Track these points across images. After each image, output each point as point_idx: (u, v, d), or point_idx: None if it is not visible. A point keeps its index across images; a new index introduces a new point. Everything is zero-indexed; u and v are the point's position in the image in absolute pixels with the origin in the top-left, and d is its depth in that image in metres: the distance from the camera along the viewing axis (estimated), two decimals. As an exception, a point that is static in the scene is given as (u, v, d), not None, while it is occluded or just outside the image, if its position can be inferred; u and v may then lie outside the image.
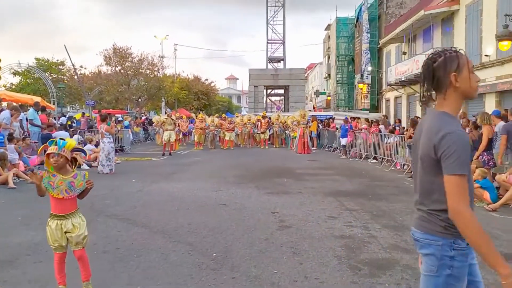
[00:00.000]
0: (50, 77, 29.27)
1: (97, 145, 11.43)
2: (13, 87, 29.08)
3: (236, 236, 4.95)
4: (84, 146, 12.24)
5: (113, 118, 14.91)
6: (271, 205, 6.78)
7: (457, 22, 17.42)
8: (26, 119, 11.44)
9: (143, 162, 13.63)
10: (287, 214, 6.15)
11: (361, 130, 15.38)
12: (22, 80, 29.30)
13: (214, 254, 4.30)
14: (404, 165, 12.26)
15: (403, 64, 21.27)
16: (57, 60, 29.81)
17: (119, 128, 17.82)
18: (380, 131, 14.86)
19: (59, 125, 17.31)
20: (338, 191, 8.21)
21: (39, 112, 11.71)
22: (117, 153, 16.39)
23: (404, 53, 19.64)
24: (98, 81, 30.09)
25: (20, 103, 13.26)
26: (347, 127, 16.01)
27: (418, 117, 10.01)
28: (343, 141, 16.08)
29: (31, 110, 11.59)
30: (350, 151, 16.34)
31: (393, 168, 12.48)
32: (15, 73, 28.71)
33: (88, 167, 11.21)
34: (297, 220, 5.78)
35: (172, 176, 10.27)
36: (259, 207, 6.62)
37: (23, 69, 27.70)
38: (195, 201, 7.04)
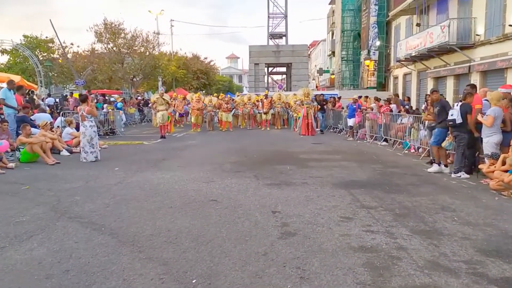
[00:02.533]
0: (40, 55, 27.90)
1: (78, 128, 10.26)
2: (2, 66, 27.72)
3: (226, 249, 3.85)
4: (63, 129, 11.10)
5: (93, 99, 13.63)
6: (272, 201, 5.66)
7: (476, -11, 15.88)
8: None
9: (133, 147, 12.50)
10: (291, 214, 5.03)
11: (372, 109, 14.10)
12: (11, 59, 27.89)
13: (194, 281, 3.20)
14: (418, 148, 11.10)
15: (415, 37, 19.78)
16: (46, 37, 28.30)
17: (109, 109, 16.63)
18: (391, 110, 13.62)
19: (45, 106, 16.17)
20: (349, 181, 7.08)
21: (14, 92, 10.49)
22: (107, 137, 15.33)
23: (418, 24, 18.14)
24: (92, 60, 28.67)
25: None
26: (354, 106, 14.76)
27: (437, 92, 8.63)
28: (351, 122, 14.87)
29: (3, 89, 10.37)
30: (357, 132, 15.16)
31: (406, 151, 11.32)
32: (3, 52, 27.32)
33: (68, 153, 10.09)
34: (304, 223, 4.66)
35: (161, 163, 9.15)
36: (257, 204, 5.50)
37: (11, 47, 26.36)
38: (182, 196, 5.93)
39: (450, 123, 7.51)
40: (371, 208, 5.32)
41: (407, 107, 15.42)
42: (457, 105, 7.48)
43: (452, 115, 7.47)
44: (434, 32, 17.48)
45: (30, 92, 21.16)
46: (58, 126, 11.58)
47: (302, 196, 5.97)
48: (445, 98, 13.38)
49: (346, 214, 5.03)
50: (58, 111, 15.59)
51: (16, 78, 13.79)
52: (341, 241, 4.07)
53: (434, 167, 8.20)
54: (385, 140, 13.34)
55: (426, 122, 10.07)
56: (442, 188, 6.59)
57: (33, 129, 10.34)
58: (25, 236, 4.23)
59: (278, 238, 4.17)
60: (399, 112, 13.64)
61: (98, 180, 7.13)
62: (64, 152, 10.00)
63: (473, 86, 8.35)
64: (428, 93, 19.63)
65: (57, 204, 5.50)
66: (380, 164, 9.13)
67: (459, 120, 7.31)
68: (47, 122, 10.05)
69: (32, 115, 11.42)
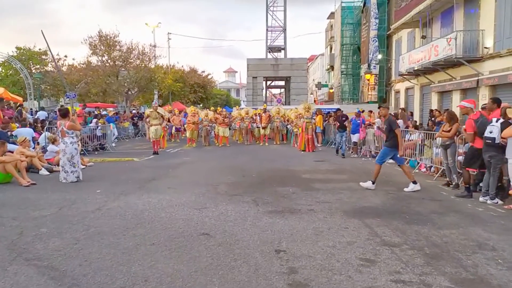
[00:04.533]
0: (33, 68, 27.14)
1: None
2: (-7, 78, 26.93)
3: (218, 311, 2.94)
4: (46, 147, 10.19)
5: (73, 111, 12.75)
6: (275, 235, 4.76)
7: (484, 1, 15.27)
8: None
9: (121, 164, 11.58)
10: (298, 254, 4.13)
11: (377, 125, 13.24)
12: (2, 71, 27.09)
13: None
14: (430, 167, 10.26)
15: (418, 50, 19.15)
16: (39, 49, 27.54)
17: (101, 123, 15.76)
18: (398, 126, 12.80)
19: (31, 120, 15.29)
20: (361, 208, 6.20)
21: (-8, 105, 9.63)
22: (95, 153, 14.43)
23: (424, 37, 17.48)
24: (87, 73, 27.91)
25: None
26: (358, 121, 13.96)
27: (387, 108, 8.44)
28: (355, 138, 14.04)
29: (-21, 102, 9.52)
30: (361, 149, 14.34)
31: (417, 170, 10.47)
32: (-6, 64, 26.58)
33: (47, 173, 9.16)
34: (316, 268, 3.76)
35: (149, 184, 8.24)
36: (257, 239, 4.59)
37: (3, 60, 25.60)
38: (168, 228, 5.01)
39: (488, 141, 6.58)
40: (394, 245, 4.42)
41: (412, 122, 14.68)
42: (496, 122, 6.55)
43: (491, 132, 6.55)
44: (440, 44, 16.82)
45: (19, 105, 20.33)
46: (37, 143, 10.66)
47: (310, 228, 5.07)
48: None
49: (366, 254, 4.13)
50: (47, 126, 14.71)
51: (0, 90, 12.94)
52: (367, 297, 3.17)
53: (368, 183, 7.85)
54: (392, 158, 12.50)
55: (439, 139, 9.25)
56: (470, 218, 5.71)
57: (12, 146, 9.46)
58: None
59: (285, 292, 3.27)
60: (406, 127, 12.85)
61: (74, 206, 6.20)
62: (43, 171, 9.07)
63: (494, 101, 7.53)
64: (433, 108, 19.04)
65: (17, 239, 4.58)
66: (392, 186, 8.26)
67: (498, 140, 6.43)
68: (25, 138, 9.16)
69: (11, 130, 10.52)
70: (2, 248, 4.28)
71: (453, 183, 8.22)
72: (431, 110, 17.88)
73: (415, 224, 5.30)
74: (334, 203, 6.55)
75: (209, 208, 6.13)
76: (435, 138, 9.80)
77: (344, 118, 14.08)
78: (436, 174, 9.50)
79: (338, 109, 17.33)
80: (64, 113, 8.27)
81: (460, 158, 8.45)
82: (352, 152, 14.55)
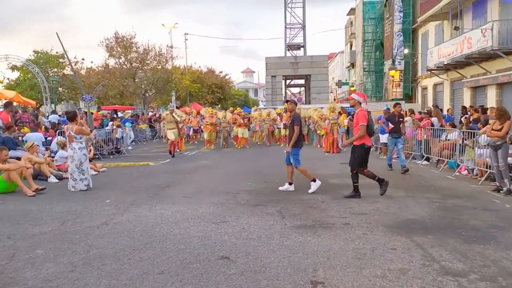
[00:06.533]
0: (51, 71, 27.09)
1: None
2: (12, 83, 26.93)
3: None
4: (55, 153, 9.64)
5: (82, 114, 12.25)
6: (308, 259, 3.95)
7: (523, -13, 14.07)
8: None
9: (136, 169, 10.97)
10: (339, 286, 3.31)
11: (420, 122, 12.12)
12: (21, 75, 27.11)
13: None
14: (473, 170, 9.24)
15: (448, 44, 17.98)
16: (57, 52, 27.43)
17: (114, 126, 15.26)
18: (432, 124, 11.79)
19: (48, 124, 14.93)
20: (406, 222, 5.32)
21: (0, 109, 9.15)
22: (111, 157, 13.91)
23: (456, 28, 16.30)
24: (105, 76, 27.70)
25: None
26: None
27: (294, 104, 7.99)
28: (384, 138, 13.03)
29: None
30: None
31: (457, 173, 9.47)
32: (13, 68, 26.56)
33: (57, 180, 8.60)
34: (366, 309, 2.94)
35: (163, 192, 7.55)
36: (288, 265, 3.80)
37: (21, 64, 25.59)
38: (181, 250, 4.27)
39: None
40: (459, 275, 3.55)
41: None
42: None
43: None
44: (473, 36, 15.66)
45: (35, 109, 20.14)
46: (47, 149, 10.14)
47: (349, 249, 4.24)
48: (484, 109, 11.50)
49: (425, 287, 3.28)
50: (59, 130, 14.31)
51: (11, 94, 12.57)
52: None
53: (285, 186, 7.54)
54: (427, 159, 11.50)
55: (486, 138, 8.23)
56: (540, 234, 4.76)
57: (19, 152, 8.96)
58: None
59: None
60: (441, 126, 11.81)
61: (78, 220, 5.55)
62: (52, 179, 8.51)
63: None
64: (465, 104, 17.78)
65: (6, 265, 3.92)
66: (435, 192, 7.32)
67: None
68: (33, 144, 8.62)
69: (23, 135, 10.04)
70: (-13, 277, 3.62)
71: (505, 189, 7.22)
72: (464, 107, 16.71)
73: (476, 244, 4.40)
74: (372, 214, 5.69)
75: (228, 221, 5.37)
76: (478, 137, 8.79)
77: (400, 119, 10.18)
78: (481, 178, 8.49)
79: (398, 104, 11.42)
80: (72, 117, 7.66)
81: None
82: (380, 153, 13.57)
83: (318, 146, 16.42)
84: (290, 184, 7.60)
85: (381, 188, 6.86)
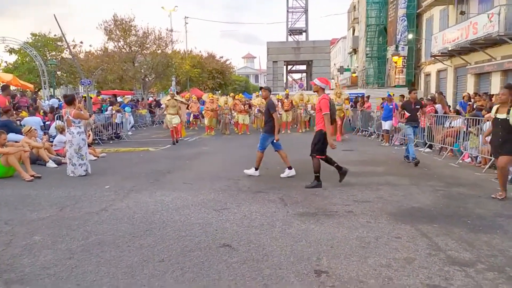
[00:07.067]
0: (49, 54, 26.76)
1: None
2: (10, 66, 26.63)
3: None
4: (53, 138, 9.52)
5: (81, 98, 12.07)
6: (311, 248, 3.87)
7: (532, -30, 13.72)
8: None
9: (136, 155, 10.87)
10: (345, 277, 3.23)
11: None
12: (19, 58, 26.79)
13: None
14: (476, 157, 9.14)
15: (453, 29, 17.65)
16: (55, 35, 27.05)
17: (114, 110, 15.10)
18: (436, 111, 11.64)
19: (46, 108, 14.78)
20: (410, 210, 5.23)
21: (-3, 93, 8.99)
22: (110, 142, 13.80)
23: (462, 13, 15.98)
24: (104, 60, 27.37)
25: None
26: (391, 106, 12.80)
27: (267, 90, 7.90)
28: (387, 125, 12.91)
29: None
30: (393, 136, 13.21)
31: (460, 161, 9.37)
32: (11, 51, 26.22)
33: (55, 165, 8.50)
34: (372, 300, 2.86)
35: (163, 178, 7.46)
36: (291, 254, 3.72)
37: (19, 47, 25.25)
38: (181, 237, 4.19)
39: None
40: (466, 264, 3.47)
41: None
42: None
43: None
44: (479, 21, 15.35)
45: (34, 93, 19.94)
46: (44, 133, 10.01)
47: (353, 237, 4.16)
48: (490, 95, 11.31)
49: (433, 279, 3.19)
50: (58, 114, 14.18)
51: (8, 77, 12.38)
52: None
53: (251, 170, 7.61)
54: (429, 146, 11.38)
55: (486, 125, 8.09)
56: (548, 223, 4.67)
57: (18, 136, 8.84)
58: None
59: None
60: (445, 113, 11.66)
61: (77, 206, 5.46)
62: (51, 164, 8.42)
63: None
64: (469, 91, 17.54)
65: (3, 251, 3.85)
66: (438, 180, 7.22)
67: None
68: (31, 128, 8.49)
69: (20, 119, 9.91)
70: (-17, 264, 3.55)
71: (509, 177, 7.12)
72: (474, 94, 16.48)
73: (482, 233, 4.31)
74: (375, 202, 5.60)
75: (230, 208, 5.29)
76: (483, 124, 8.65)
77: (417, 106, 9.26)
78: (485, 166, 8.39)
79: (413, 90, 10.62)
80: (70, 100, 7.52)
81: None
82: (382, 141, 13.46)
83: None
84: (290, 168, 7.55)
85: (340, 176, 6.98)
